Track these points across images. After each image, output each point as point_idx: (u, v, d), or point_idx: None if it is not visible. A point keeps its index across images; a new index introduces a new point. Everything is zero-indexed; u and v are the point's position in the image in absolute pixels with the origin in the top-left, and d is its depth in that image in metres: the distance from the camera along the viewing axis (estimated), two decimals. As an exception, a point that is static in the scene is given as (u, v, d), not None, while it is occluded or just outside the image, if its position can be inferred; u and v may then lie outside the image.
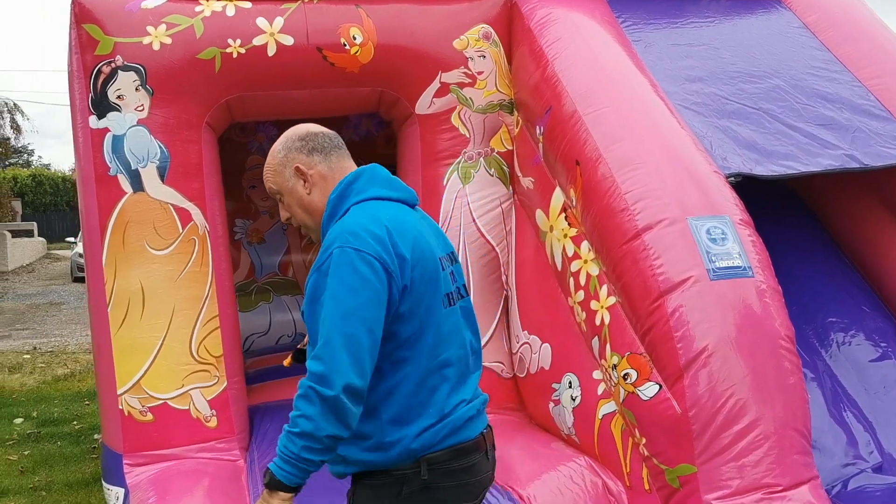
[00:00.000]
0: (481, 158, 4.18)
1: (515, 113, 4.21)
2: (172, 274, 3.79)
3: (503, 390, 4.15)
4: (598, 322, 3.39)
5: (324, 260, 1.90)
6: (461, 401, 2.00)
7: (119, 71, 3.77)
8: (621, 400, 3.21)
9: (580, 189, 3.50)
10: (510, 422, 4.05)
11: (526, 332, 3.99)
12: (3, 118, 23.68)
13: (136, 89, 3.79)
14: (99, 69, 3.77)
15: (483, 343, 4.12)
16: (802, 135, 3.71)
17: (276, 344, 6.19)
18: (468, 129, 4.16)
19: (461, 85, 4.13)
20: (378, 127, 6.54)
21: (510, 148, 4.23)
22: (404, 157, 4.37)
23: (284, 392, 4.80)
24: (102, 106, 3.78)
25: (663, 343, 3.01)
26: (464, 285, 2.16)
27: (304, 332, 6.30)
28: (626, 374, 3.17)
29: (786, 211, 4.30)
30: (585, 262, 3.52)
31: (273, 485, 1.87)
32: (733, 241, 3.11)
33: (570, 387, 3.62)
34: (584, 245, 3.54)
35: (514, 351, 4.12)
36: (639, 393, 3.10)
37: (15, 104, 24.05)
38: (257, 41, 3.88)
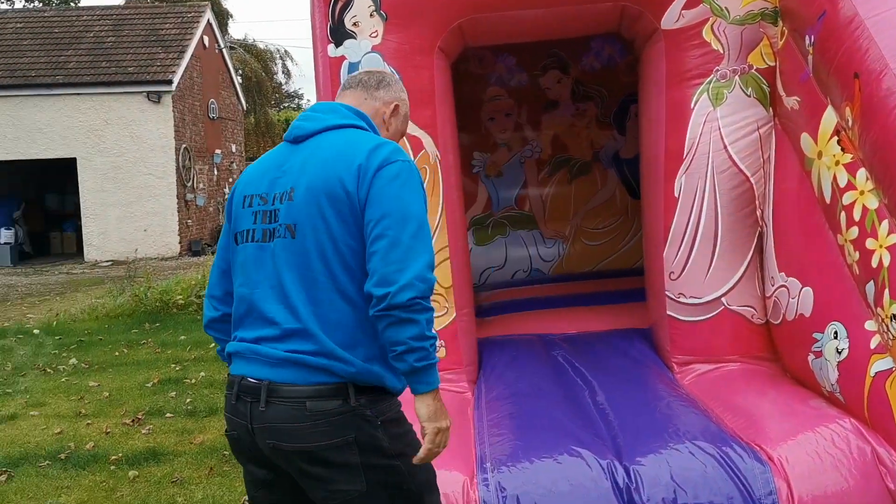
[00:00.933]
0: (736, 77, 3.70)
1: (780, 22, 3.67)
2: (404, 202, 3.75)
3: (754, 337, 3.72)
4: (874, 264, 2.88)
5: None
6: (235, 336, 2.06)
7: (354, -3, 3.74)
8: (902, 356, 2.71)
9: (858, 106, 2.96)
10: (761, 372, 3.64)
11: (783, 273, 3.52)
12: (275, 64, 25.59)
13: (371, 15, 3.74)
14: (336, -4, 3.76)
15: (732, 284, 3.75)
16: None
17: (511, 278, 6.10)
18: (722, 44, 3.69)
19: (715, -7, 3.66)
20: (621, 54, 6.13)
21: (771, 64, 3.70)
22: (647, 78, 3.99)
23: (516, 326, 4.70)
24: (339, 34, 3.78)
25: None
26: (288, 225, 1.96)
27: (541, 267, 6.18)
28: (909, 327, 2.66)
29: None
30: (862, 193, 2.99)
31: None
32: None
33: (836, 337, 3.14)
34: (861, 173, 3.01)
35: (767, 294, 3.67)
36: (926, 349, 2.59)
37: (286, 51, 25.91)
38: (490, -42, 3.66)
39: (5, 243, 16.16)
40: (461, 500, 2.71)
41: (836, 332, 3.15)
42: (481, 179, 6.18)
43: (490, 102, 6.15)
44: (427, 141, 3.80)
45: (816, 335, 3.25)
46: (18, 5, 29.12)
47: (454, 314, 3.73)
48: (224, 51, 19.62)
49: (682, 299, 3.78)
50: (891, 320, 2.76)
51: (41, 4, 29.12)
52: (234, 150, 20.48)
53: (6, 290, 12.39)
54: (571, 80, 6.24)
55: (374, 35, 3.76)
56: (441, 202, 3.81)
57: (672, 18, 3.74)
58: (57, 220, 18.13)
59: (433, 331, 1.86)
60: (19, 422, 5.11)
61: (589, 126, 6.33)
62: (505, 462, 2.80)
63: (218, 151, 18.98)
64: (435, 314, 3.67)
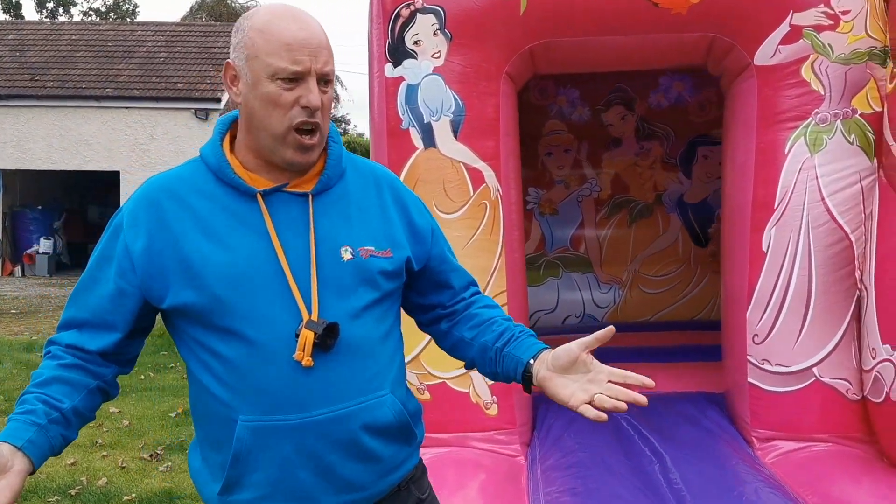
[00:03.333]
0: (838, 121, 3.30)
1: (889, 64, 3.28)
2: (460, 240, 3.40)
3: (847, 415, 3.29)
4: None
5: (421, 202, 1.72)
6: None
7: (418, 14, 3.44)
8: None
9: None
10: (855, 456, 3.21)
11: (888, 346, 3.09)
12: (323, 88, 25.54)
13: (434, 34, 3.43)
14: (398, 12, 3.46)
15: (826, 353, 3.31)
16: None
17: (562, 323, 5.73)
18: (823, 85, 3.30)
19: (818, 28, 3.28)
20: (691, 92, 5.79)
21: (878, 109, 3.30)
22: (735, 118, 3.61)
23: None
24: (399, 52, 3.47)
25: None
26: None
27: (594, 313, 5.77)
28: None
29: None
30: None
31: None
32: None
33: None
34: None
35: (866, 367, 3.24)
36: None
37: (337, 75, 25.91)
38: (569, -22, 3.33)
39: (43, 253, 16.12)
40: None
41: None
42: (535, 217, 5.84)
43: (548, 136, 5.83)
44: (489, 174, 3.46)
45: (930, 421, 2.82)
46: (77, 18, 29.63)
47: (508, 368, 3.35)
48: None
49: (766, 366, 3.36)
50: None
51: (98, 18, 29.59)
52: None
53: (40, 300, 12.26)
54: (636, 118, 5.90)
55: (436, 55, 3.44)
56: (501, 241, 3.46)
57: (767, 53, 3.37)
58: (97, 232, 18.09)
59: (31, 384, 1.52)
60: (34, 448, 4.81)
61: (653, 167, 5.97)
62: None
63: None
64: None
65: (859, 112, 3.31)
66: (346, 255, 1.53)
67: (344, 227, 1.55)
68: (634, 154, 5.94)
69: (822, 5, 3.27)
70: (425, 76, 3.45)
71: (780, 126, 3.36)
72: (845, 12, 3.27)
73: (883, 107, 3.30)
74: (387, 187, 1.64)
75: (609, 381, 1.45)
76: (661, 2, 3.36)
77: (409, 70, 3.46)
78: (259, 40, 1.49)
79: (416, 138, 3.46)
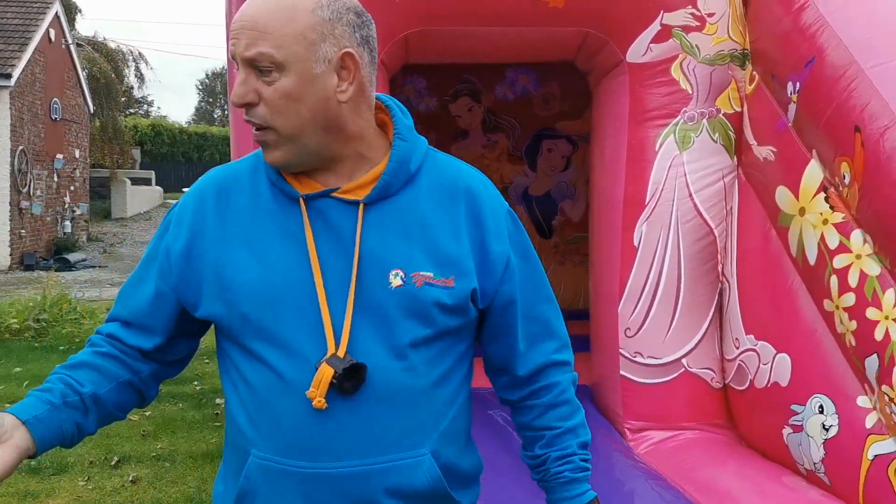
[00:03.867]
0: (704, 120, 3.42)
1: (748, 66, 3.43)
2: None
3: (712, 403, 3.44)
4: (878, 336, 2.62)
5: (508, 224, 1.38)
6: None
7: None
8: (917, 442, 2.45)
9: (861, 163, 2.72)
10: (720, 442, 3.35)
11: (751, 336, 3.25)
12: (128, 67, 23.94)
13: (306, 16, 3.20)
14: None
15: (694, 344, 3.43)
16: None
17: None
18: (691, 84, 3.41)
19: (686, 29, 3.38)
20: (536, 85, 5.88)
21: (738, 109, 3.46)
22: (605, 114, 3.65)
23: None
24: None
25: None
26: None
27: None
28: (928, 410, 2.40)
29: None
30: (858, 257, 2.74)
31: None
32: None
33: (821, 412, 2.87)
34: (857, 235, 2.76)
35: (729, 357, 3.39)
36: (952, 438, 2.33)
37: (140, 53, 24.26)
38: (449, -36, 3.22)
39: None
40: None
41: (821, 407, 2.89)
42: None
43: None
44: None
45: (796, 407, 2.98)
46: None
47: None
48: (72, 46, 18.06)
49: (638, 359, 3.44)
50: (902, 401, 2.50)
51: None
52: (77, 155, 18.82)
53: None
54: (483, 110, 5.92)
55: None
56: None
57: (639, 51, 3.43)
58: None
59: None
60: None
61: (500, 159, 6.02)
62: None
63: (59, 156, 17.35)
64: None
65: (722, 112, 3.45)
66: (396, 280, 1.27)
67: (399, 246, 1.29)
68: (482, 146, 5.96)
69: (690, 6, 3.37)
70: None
71: (650, 123, 3.44)
72: (710, 14, 3.39)
73: (742, 107, 3.46)
74: (463, 197, 1.35)
75: None
76: (537, -6, 3.32)
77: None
78: None
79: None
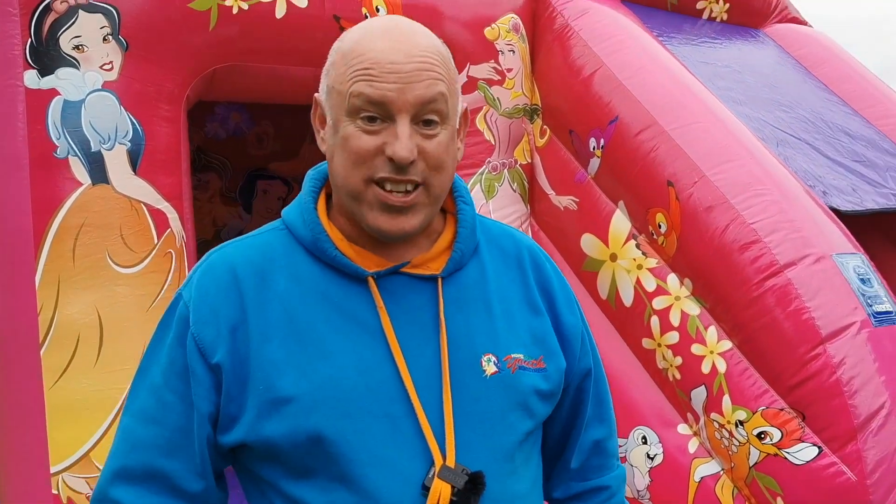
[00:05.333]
0: (505, 170, 3.55)
1: (537, 120, 3.64)
2: (145, 300, 2.72)
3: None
4: (705, 370, 2.93)
5: (572, 292, 1.28)
6: None
7: (81, 11, 2.65)
8: (752, 463, 2.78)
9: (677, 214, 3.04)
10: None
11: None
12: None
13: (105, 39, 2.68)
14: (47, 4, 2.61)
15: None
16: (846, 170, 3.59)
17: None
18: (493, 135, 3.51)
19: (489, 82, 3.48)
20: (249, 123, 5.60)
21: (529, 161, 3.65)
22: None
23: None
24: (49, 58, 2.62)
25: (829, 398, 2.63)
26: None
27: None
28: (761, 433, 2.75)
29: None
30: (678, 298, 3.05)
31: None
32: (877, 282, 2.84)
33: (645, 443, 3.13)
34: (672, 279, 3.07)
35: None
36: (788, 456, 2.69)
37: None
38: (266, -4, 2.94)
39: None
40: None
41: (644, 438, 3.14)
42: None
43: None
44: (173, 217, 2.84)
45: (619, 441, 3.20)
46: None
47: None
48: None
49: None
50: (734, 427, 2.83)
51: None
52: None
53: None
54: (193, 148, 5.44)
55: (107, 67, 2.69)
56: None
57: (445, 101, 3.44)
58: None
59: None
60: None
61: (212, 200, 5.60)
62: None
63: None
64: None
65: (519, 162, 3.61)
66: (490, 367, 1.09)
67: (483, 325, 1.11)
68: (193, 187, 5.48)
69: (493, 61, 3.48)
70: (92, 91, 2.66)
71: (459, 172, 3.46)
72: (509, 70, 3.53)
73: (533, 158, 3.65)
74: (529, 265, 1.20)
75: None
76: (349, 36, 3.17)
77: (66, 82, 2.63)
78: (340, 66, 1.06)
79: (81, 171, 2.65)
